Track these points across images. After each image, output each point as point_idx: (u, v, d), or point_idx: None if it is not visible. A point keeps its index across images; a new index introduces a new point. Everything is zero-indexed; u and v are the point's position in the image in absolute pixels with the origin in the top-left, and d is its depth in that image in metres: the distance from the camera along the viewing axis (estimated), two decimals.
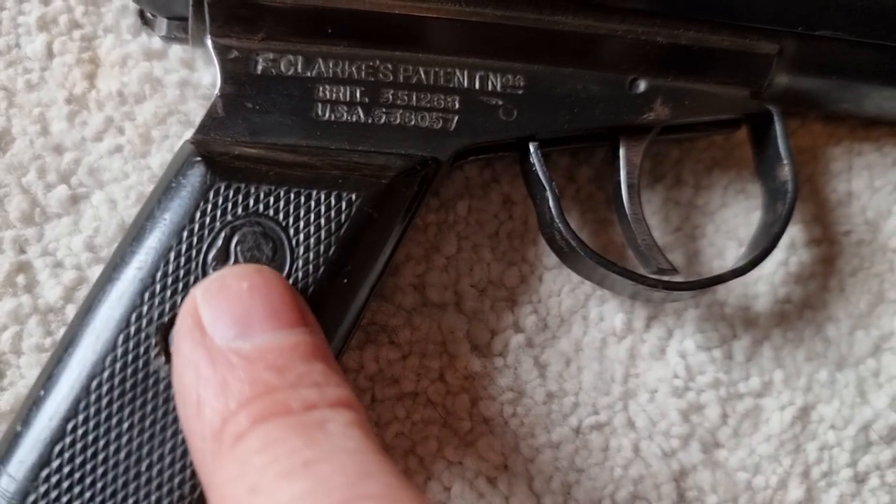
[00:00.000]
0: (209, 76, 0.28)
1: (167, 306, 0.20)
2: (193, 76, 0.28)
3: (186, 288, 0.20)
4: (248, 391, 0.17)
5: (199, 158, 0.22)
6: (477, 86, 0.24)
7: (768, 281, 0.29)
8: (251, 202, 0.21)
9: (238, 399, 0.17)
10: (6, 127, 0.27)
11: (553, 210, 0.24)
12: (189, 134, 0.27)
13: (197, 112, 0.28)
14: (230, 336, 0.18)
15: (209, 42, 0.23)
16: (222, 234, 0.21)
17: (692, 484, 0.28)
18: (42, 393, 0.20)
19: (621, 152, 0.26)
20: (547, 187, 0.25)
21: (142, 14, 0.28)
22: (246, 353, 0.18)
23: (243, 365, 0.18)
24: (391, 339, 0.27)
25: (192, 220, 0.21)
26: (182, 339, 0.19)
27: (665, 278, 0.25)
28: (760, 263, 0.27)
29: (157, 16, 0.27)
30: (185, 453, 0.19)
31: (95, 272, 0.26)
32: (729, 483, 0.28)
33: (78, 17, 0.28)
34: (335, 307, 0.21)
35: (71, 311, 0.25)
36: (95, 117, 0.27)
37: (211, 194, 0.21)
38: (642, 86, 0.26)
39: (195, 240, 0.21)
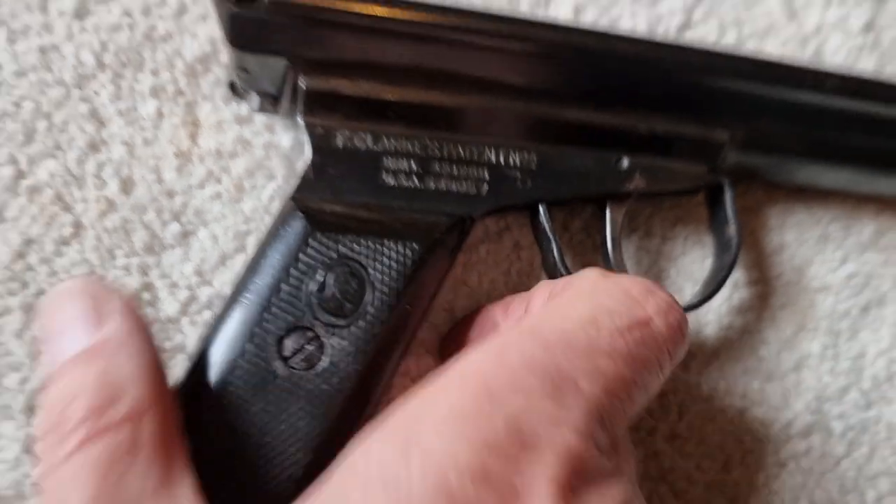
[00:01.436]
0: (287, 140, 0.34)
1: (281, 324, 0.26)
2: (275, 139, 0.34)
3: (293, 311, 0.26)
4: None
5: (299, 213, 0.27)
6: (502, 161, 0.30)
7: (716, 312, 0.36)
8: (340, 247, 0.27)
9: None
10: (129, 175, 0.32)
11: (556, 258, 0.31)
12: (273, 185, 0.33)
13: (278, 168, 0.33)
14: None
15: (300, 120, 0.29)
16: (319, 272, 0.27)
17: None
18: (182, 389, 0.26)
19: (608, 213, 0.32)
20: (552, 240, 0.31)
21: (232, 86, 0.33)
22: None
23: None
24: (426, 350, 0.34)
25: (296, 261, 0.27)
26: None
27: None
28: (710, 300, 0.33)
29: (249, 90, 0.33)
30: (298, 438, 0.25)
31: (204, 291, 0.32)
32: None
33: (182, 87, 0.33)
34: (402, 325, 0.27)
35: (185, 322, 0.32)
36: (198, 169, 0.33)
37: (310, 241, 0.27)
38: (625, 163, 0.31)
39: (299, 275, 0.27)
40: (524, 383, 0.21)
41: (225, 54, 0.34)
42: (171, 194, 0.33)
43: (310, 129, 0.29)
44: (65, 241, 0.32)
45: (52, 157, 0.32)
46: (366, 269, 0.27)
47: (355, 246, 0.27)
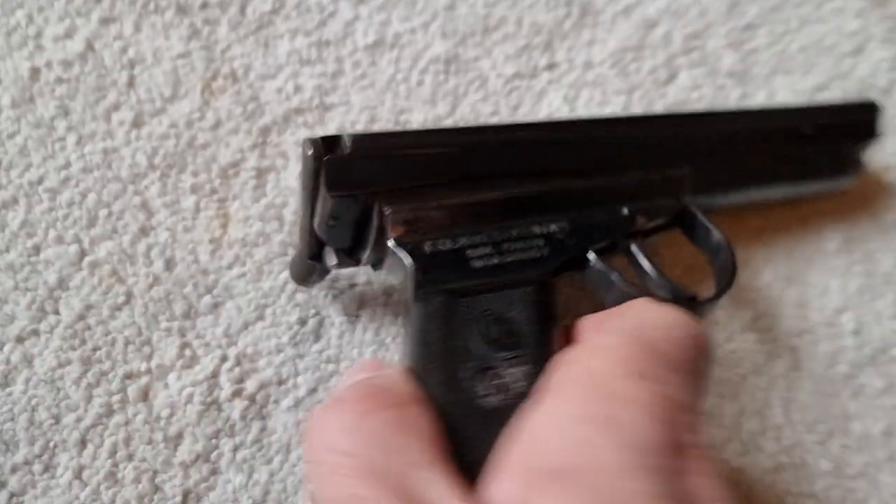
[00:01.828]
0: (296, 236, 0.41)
1: (470, 372, 0.31)
2: (289, 238, 0.40)
3: (472, 361, 0.31)
4: None
5: (439, 294, 0.33)
6: (547, 231, 0.36)
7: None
8: (479, 304, 0.33)
9: None
10: (172, 255, 0.38)
11: (621, 284, 0.36)
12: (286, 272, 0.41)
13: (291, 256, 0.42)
14: None
15: (390, 244, 0.33)
16: (475, 326, 0.32)
17: None
18: None
19: (633, 248, 0.38)
20: (611, 273, 0.36)
21: (312, 259, 0.35)
22: None
23: None
24: None
25: (453, 327, 0.32)
26: None
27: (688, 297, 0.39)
28: (726, 293, 0.39)
29: (327, 250, 0.35)
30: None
31: (231, 351, 0.39)
32: None
33: (216, 186, 0.39)
34: (547, 339, 0.33)
35: (223, 379, 0.40)
36: (228, 253, 0.38)
37: (453, 308, 0.33)
38: (626, 210, 0.38)
39: (462, 334, 0.32)
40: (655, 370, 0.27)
41: (298, 222, 0.37)
42: (205, 272, 0.38)
43: (403, 246, 0.34)
44: (118, 307, 0.39)
45: (109, 239, 0.40)
46: (504, 312, 0.34)
47: (488, 299, 0.34)
